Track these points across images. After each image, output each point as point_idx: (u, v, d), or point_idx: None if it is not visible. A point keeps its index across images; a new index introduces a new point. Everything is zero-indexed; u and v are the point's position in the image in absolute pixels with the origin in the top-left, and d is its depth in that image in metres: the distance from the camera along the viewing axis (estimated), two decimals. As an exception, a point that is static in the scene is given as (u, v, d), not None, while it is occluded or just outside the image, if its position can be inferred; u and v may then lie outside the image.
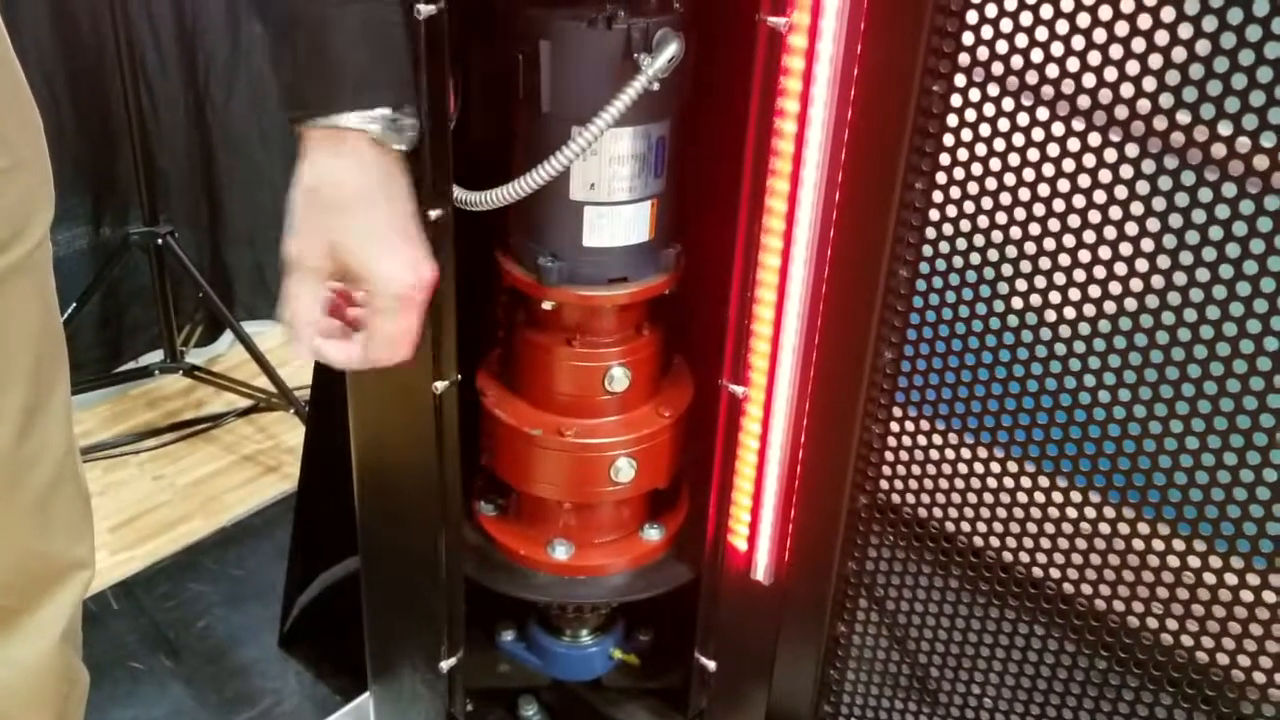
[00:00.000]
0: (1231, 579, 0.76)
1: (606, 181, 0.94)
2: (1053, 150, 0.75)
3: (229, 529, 1.82)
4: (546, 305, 1.01)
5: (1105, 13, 0.69)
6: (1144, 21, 0.68)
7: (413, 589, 1.15)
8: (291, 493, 1.89)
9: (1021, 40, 0.74)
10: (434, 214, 0.91)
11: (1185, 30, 0.66)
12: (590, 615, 1.22)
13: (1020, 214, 0.79)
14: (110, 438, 2.00)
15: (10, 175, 0.77)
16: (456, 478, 1.06)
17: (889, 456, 0.96)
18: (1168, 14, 0.66)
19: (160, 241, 1.94)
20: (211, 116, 2.16)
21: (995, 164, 0.79)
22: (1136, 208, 0.73)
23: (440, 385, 0.99)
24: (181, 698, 1.51)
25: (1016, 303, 0.82)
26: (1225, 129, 0.66)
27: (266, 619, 1.62)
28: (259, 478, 1.94)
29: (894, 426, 0.94)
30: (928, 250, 0.87)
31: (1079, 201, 0.75)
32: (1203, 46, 0.65)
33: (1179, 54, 0.67)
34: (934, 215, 0.85)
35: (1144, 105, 0.70)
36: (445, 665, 1.16)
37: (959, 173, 0.81)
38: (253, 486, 1.91)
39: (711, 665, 1.16)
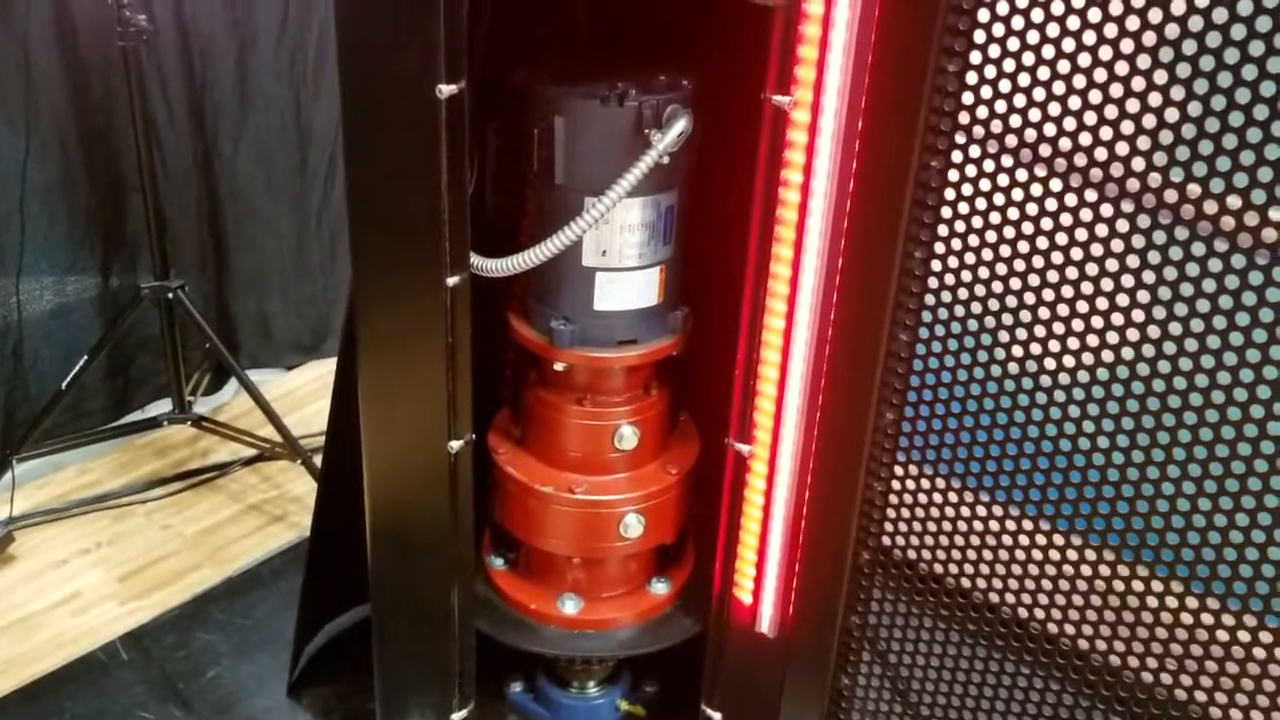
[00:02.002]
0: (1225, 635, 0.78)
1: (618, 249, 0.97)
2: (1046, 222, 0.79)
3: (236, 578, 1.83)
4: (558, 366, 1.04)
5: (1095, 96, 0.73)
6: (1132, 106, 0.71)
7: (424, 642, 1.17)
8: (298, 542, 1.90)
9: (1015, 120, 0.77)
10: (452, 280, 0.94)
11: (1155, 99, 0.69)
12: (598, 667, 1.24)
13: (1016, 283, 0.82)
14: (118, 487, 2.01)
15: None
16: (470, 534, 1.08)
17: (891, 512, 0.98)
18: (1155, 97, 0.70)
19: (171, 295, 1.96)
20: (219, 168, 2.19)
21: (991, 235, 0.82)
22: (1127, 278, 0.76)
23: (455, 444, 1.02)
24: (191, 747, 1.52)
25: (1013, 367, 0.85)
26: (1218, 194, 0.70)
27: (275, 668, 1.63)
28: (266, 526, 1.95)
29: (895, 484, 0.97)
30: (927, 315, 0.90)
31: (1071, 271, 0.79)
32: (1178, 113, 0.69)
33: (1161, 120, 0.70)
34: (933, 282, 0.88)
35: (1132, 182, 0.73)
36: (456, 717, 1.18)
37: (956, 243, 0.85)
38: (260, 535, 1.93)
39: (718, 717, 1.18)
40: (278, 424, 1.95)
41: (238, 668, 1.65)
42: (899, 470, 0.97)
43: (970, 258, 0.84)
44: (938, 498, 0.94)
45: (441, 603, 1.12)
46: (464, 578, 1.11)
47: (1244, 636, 0.77)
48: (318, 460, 1.89)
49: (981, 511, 0.91)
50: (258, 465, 2.11)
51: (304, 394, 2.34)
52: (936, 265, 0.87)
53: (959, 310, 0.87)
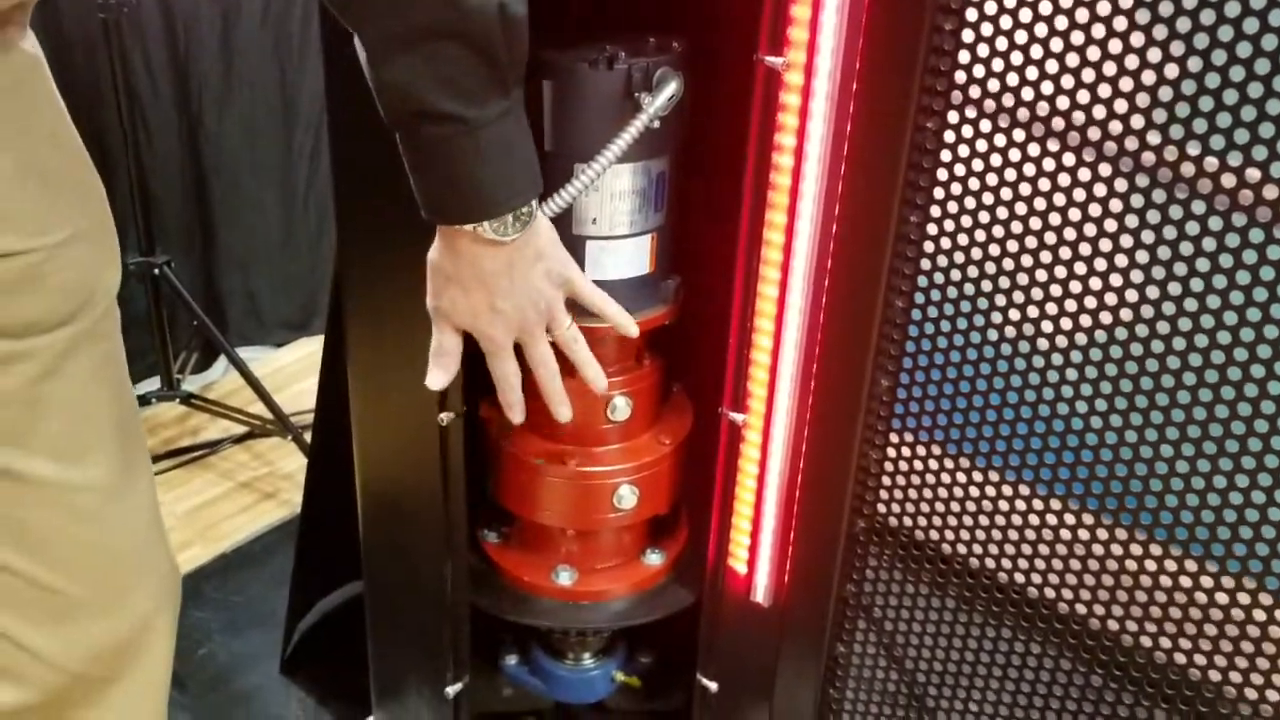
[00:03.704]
0: (1223, 597, 0.78)
1: (608, 217, 0.96)
2: (1044, 183, 0.78)
3: (228, 556, 1.82)
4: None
5: (1094, 53, 0.72)
6: (1131, 62, 0.70)
7: (418, 616, 1.17)
8: (289, 519, 1.90)
9: (1013, 79, 0.76)
10: (440, 250, 0.93)
11: (1155, 55, 0.69)
12: (592, 639, 1.24)
13: (1013, 245, 0.81)
14: (107, 466, 2.01)
15: (70, 247, 0.77)
16: (462, 508, 1.07)
17: (886, 480, 0.98)
18: (1153, 53, 0.69)
19: (157, 271, 1.94)
20: (204, 144, 2.17)
21: (988, 197, 0.81)
22: (1125, 239, 0.75)
23: (446, 417, 1.01)
24: (184, 725, 1.52)
25: (1010, 332, 0.84)
26: (1214, 157, 0.69)
27: (268, 645, 1.62)
28: (256, 504, 1.95)
29: (891, 451, 0.96)
30: (922, 280, 0.89)
31: (1070, 233, 0.78)
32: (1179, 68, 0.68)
33: (1158, 78, 0.69)
34: (928, 246, 0.87)
35: (1131, 141, 0.73)
36: (451, 691, 1.18)
37: (953, 206, 0.84)
38: (250, 513, 1.92)
39: (713, 686, 1.18)
40: (268, 401, 1.94)
41: (230, 645, 1.65)
42: (894, 438, 0.96)
43: (967, 221, 0.83)
44: (933, 465, 0.93)
45: (434, 577, 1.12)
46: (457, 552, 1.10)
47: (1244, 599, 0.77)
48: (308, 437, 1.88)
49: (978, 478, 0.91)
50: (248, 443, 2.10)
51: (294, 371, 2.33)
52: (933, 229, 0.86)
53: (955, 275, 0.86)
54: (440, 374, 0.87)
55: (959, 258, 0.86)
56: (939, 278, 0.88)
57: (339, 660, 1.58)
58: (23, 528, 0.81)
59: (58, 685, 0.86)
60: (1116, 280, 0.76)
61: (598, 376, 0.91)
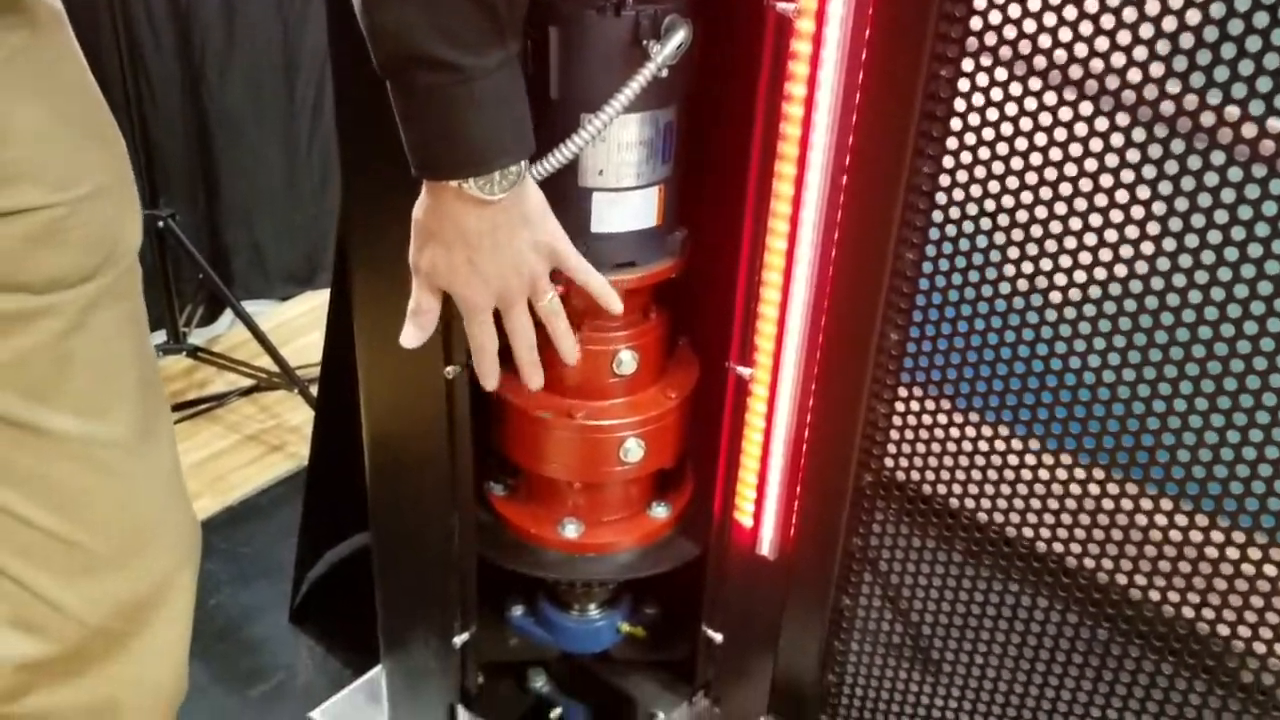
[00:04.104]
0: (1233, 552, 0.78)
1: (615, 168, 0.95)
2: (1060, 133, 0.76)
3: (236, 508, 1.83)
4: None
5: None
6: (1151, 6, 0.69)
7: (425, 568, 1.17)
8: (296, 471, 1.90)
9: (1030, 25, 0.75)
10: (445, 201, 0.92)
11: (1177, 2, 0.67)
12: (598, 590, 1.24)
13: (1027, 196, 0.80)
14: (114, 418, 2.01)
15: (92, 201, 0.77)
16: (469, 462, 1.07)
17: (894, 434, 0.97)
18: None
19: (161, 224, 1.94)
20: (207, 96, 2.15)
21: (1002, 147, 0.80)
22: (1143, 189, 0.74)
23: (451, 370, 1.01)
24: (195, 674, 1.51)
25: (1022, 284, 0.84)
26: (1231, 107, 0.68)
27: (276, 596, 1.64)
28: (264, 457, 1.95)
29: (899, 405, 0.96)
30: (934, 232, 0.88)
31: (1085, 184, 0.77)
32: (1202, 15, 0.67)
33: (1179, 24, 0.68)
34: (940, 197, 0.86)
35: (1150, 89, 0.71)
36: (458, 641, 1.19)
37: (966, 156, 0.82)
38: (258, 465, 1.93)
39: (718, 638, 1.18)
40: (274, 354, 1.94)
41: (239, 596, 1.66)
42: (903, 392, 0.95)
43: (981, 171, 0.82)
44: (942, 419, 0.93)
45: (442, 529, 1.12)
46: (464, 504, 1.10)
47: (1254, 554, 0.77)
48: (314, 390, 1.88)
49: (986, 432, 0.90)
50: (255, 396, 2.10)
51: (300, 324, 2.33)
52: (945, 179, 0.85)
53: (968, 226, 0.85)
54: (415, 332, 0.86)
55: (972, 209, 0.84)
56: (951, 229, 0.86)
57: (347, 610, 1.59)
58: (46, 483, 0.81)
59: (78, 638, 0.86)
60: (1132, 231, 0.75)
61: (572, 350, 0.90)
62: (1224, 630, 0.81)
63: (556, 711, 1.31)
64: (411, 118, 0.74)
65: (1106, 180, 0.76)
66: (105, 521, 0.85)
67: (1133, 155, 0.74)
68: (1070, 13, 0.72)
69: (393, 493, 1.17)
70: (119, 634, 0.88)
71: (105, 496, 0.84)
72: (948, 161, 0.84)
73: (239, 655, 1.56)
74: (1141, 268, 0.76)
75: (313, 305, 2.38)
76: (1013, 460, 0.89)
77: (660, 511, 1.18)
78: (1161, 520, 0.82)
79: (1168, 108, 0.70)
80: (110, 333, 0.81)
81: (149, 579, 0.89)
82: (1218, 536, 0.79)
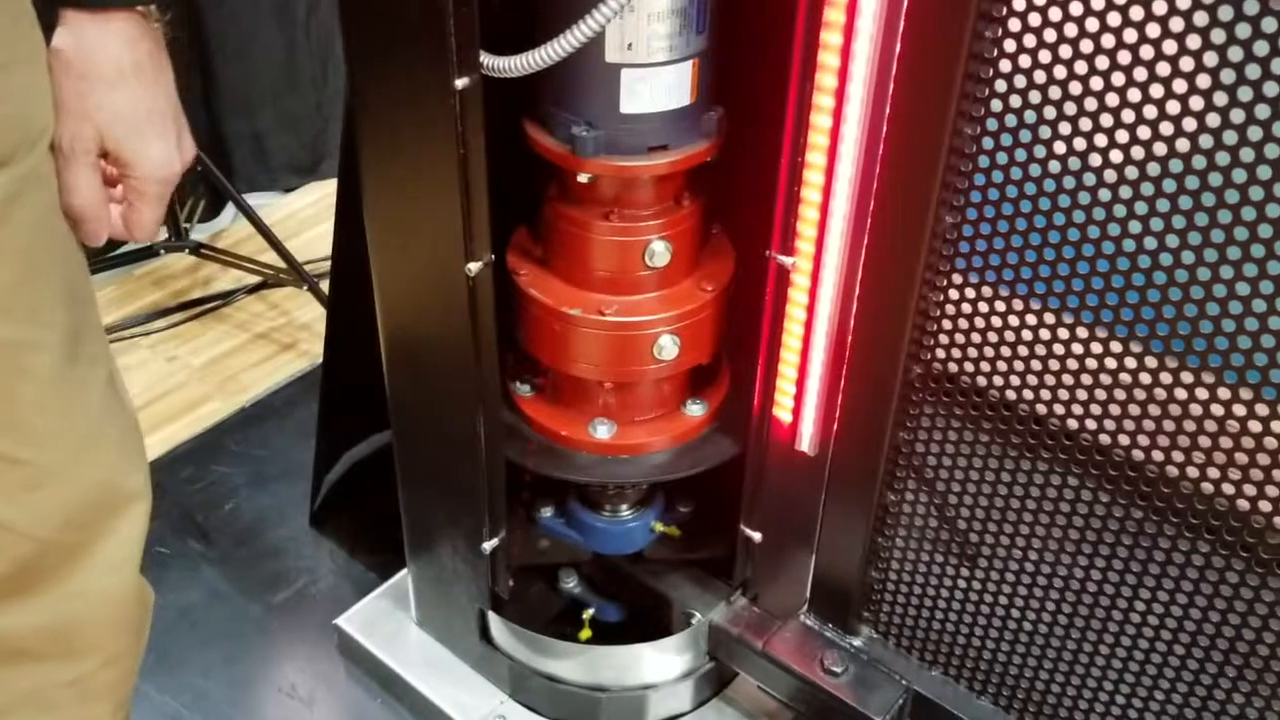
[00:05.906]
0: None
1: (645, 41, 0.87)
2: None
3: (249, 409, 1.79)
4: (582, 178, 0.95)
5: None
6: None
7: (451, 472, 1.13)
8: (310, 370, 1.86)
9: None
10: (460, 83, 0.84)
11: None
12: (630, 491, 1.20)
13: (1082, 66, 0.73)
14: (119, 320, 1.95)
15: (4, 74, 0.69)
16: (494, 362, 1.02)
17: (946, 325, 0.92)
18: None
19: (154, 114, 1.85)
20: (195, -23, 2.04)
21: (1055, 13, 0.72)
22: (1209, 57, 0.67)
23: (474, 266, 0.94)
24: (215, 580, 1.51)
25: (1074, 163, 0.77)
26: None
27: (295, 498, 1.60)
28: (275, 355, 1.90)
29: (953, 294, 0.90)
30: (996, 105, 0.81)
31: (1146, 52, 0.70)
32: None
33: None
34: (1005, 66, 0.78)
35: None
36: (487, 546, 1.15)
37: (1034, 18, 0.75)
38: (269, 365, 1.88)
39: (757, 536, 1.15)
40: (280, 249, 1.87)
41: (256, 499, 1.63)
42: (956, 279, 0.89)
43: (1050, 35, 0.74)
44: (1000, 307, 0.87)
45: (466, 432, 1.07)
46: (489, 406, 1.05)
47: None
48: (324, 285, 1.81)
49: (1049, 320, 0.85)
50: (262, 293, 2.04)
51: (306, 217, 2.25)
52: (1010, 45, 0.77)
53: (1034, 96, 0.78)
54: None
55: (1040, 79, 0.77)
56: (1015, 101, 0.79)
57: (369, 512, 1.57)
58: None
59: (28, 554, 0.82)
60: (1196, 102, 0.69)
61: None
62: (1266, 507, 0.78)
63: (589, 612, 1.28)
64: None
65: (1170, 46, 0.68)
66: (43, 431, 0.80)
67: (1200, 18, 0.66)
68: None
69: (413, 395, 1.12)
70: (71, 546, 0.84)
71: (38, 404, 0.78)
72: (1013, 25, 0.76)
73: (259, 561, 1.54)
74: (1206, 141, 0.70)
75: (319, 196, 2.29)
76: (1075, 349, 0.84)
77: (696, 409, 1.13)
78: (1218, 410, 0.78)
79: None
80: (32, 225, 0.74)
81: (96, 486, 0.84)
82: (1263, 411, 0.75)
